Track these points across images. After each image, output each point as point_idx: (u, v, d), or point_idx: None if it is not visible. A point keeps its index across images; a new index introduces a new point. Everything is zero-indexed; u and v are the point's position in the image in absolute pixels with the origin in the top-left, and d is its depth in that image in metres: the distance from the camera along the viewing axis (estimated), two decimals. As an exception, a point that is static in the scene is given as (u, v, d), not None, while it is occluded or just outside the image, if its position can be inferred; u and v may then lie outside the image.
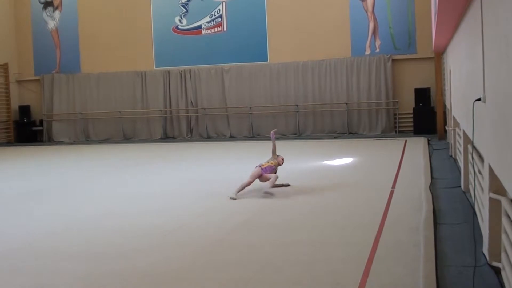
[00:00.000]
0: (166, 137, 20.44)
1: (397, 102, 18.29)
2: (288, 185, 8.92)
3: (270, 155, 8.84)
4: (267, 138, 18.31)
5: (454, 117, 10.94)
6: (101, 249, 5.73)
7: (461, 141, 8.54)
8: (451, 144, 11.77)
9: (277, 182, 8.55)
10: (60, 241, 6.17)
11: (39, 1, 21.70)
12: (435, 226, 5.93)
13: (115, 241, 6.02)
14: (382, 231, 5.86)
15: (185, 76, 20.29)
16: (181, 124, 20.47)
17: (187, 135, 20.30)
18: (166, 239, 6.05)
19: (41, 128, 21.59)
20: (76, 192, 9.50)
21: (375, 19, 18.47)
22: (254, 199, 8.12)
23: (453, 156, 11.30)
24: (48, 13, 21.70)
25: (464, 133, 7.88)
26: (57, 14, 21.58)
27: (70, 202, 8.59)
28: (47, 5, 21.70)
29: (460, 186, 8.16)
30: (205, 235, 6.14)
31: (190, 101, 20.29)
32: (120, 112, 20.72)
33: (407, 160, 11.52)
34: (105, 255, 5.48)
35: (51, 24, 21.68)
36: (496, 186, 4.49)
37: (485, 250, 4.83)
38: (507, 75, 3.43)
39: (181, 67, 20.30)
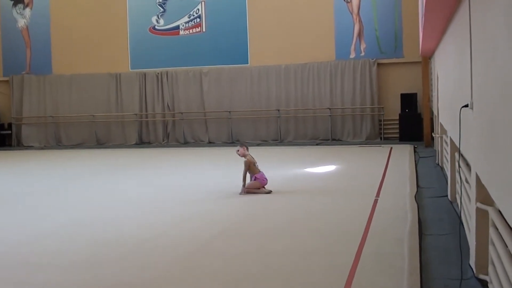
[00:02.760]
0: (142, 142, 20.31)
1: (382, 108, 18.25)
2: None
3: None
4: (247, 144, 18.07)
5: (441, 124, 10.97)
6: (73, 258, 5.64)
7: (448, 149, 8.57)
8: (438, 151, 11.79)
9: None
10: (31, 251, 6.03)
11: (9, -2, 21.30)
12: (420, 237, 5.95)
13: (88, 250, 5.93)
14: (365, 242, 5.84)
15: (161, 79, 20.09)
16: (157, 128, 20.30)
17: (163, 141, 20.09)
18: (142, 248, 5.97)
19: (9, 132, 21.29)
20: (47, 200, 9.26)
21: (360, 21, 18.31)
22: (233, 207, 8.08)
23: (440, 164, 11.30)
24: (18, 11, 21.23)
25: (451, 140, 7.94)
26: (27, 11, 21.14)
27: (40, 210, 8.36)
28: (17, 2, 21.24)
29: (447, 196, 8.16)
30: (182, 244, 6.05)
31: (167, 105, 20.15)
32: (93, 115, 20.42)
33: (392, 168, 11.49)
34: (78, 264, 5.42)
35: (21, 22, 21.24)
36: (483, 195, 4.50)
37: (472, 262, 4.86)
38: (495, 81, 3.42)
39: (158, 69, 20.12)
